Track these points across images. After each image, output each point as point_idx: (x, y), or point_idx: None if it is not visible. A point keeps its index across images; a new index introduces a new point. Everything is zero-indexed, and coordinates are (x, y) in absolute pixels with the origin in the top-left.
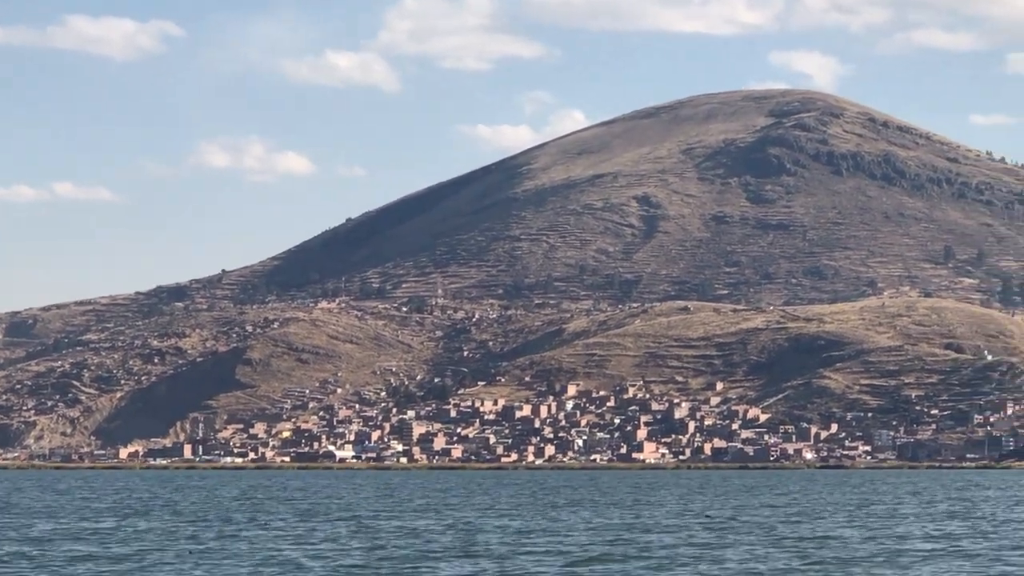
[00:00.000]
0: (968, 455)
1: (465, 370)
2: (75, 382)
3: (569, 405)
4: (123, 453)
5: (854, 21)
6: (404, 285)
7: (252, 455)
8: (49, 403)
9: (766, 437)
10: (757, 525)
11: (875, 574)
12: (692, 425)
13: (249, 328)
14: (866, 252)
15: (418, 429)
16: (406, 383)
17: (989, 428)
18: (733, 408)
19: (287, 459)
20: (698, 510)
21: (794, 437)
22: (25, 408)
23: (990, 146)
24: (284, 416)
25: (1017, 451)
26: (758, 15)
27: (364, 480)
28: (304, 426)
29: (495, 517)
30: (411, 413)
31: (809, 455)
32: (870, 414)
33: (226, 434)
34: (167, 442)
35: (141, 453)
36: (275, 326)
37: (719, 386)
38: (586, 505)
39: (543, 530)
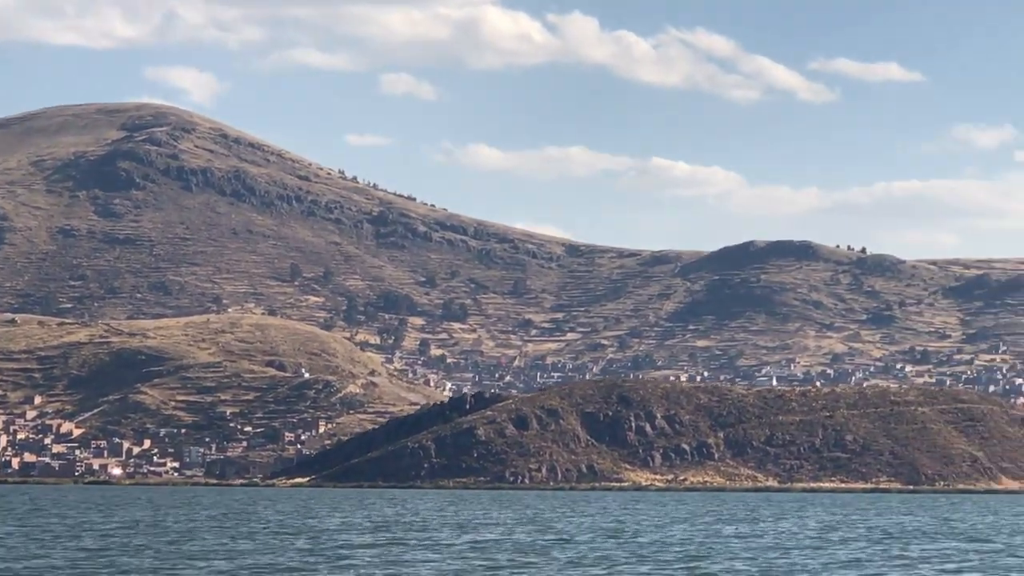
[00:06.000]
0: (274, 472)
1: None
2: None
3: None
4: None
5: (231, 38)
6: None
7: None
8: None
9: (77, 452)
10: None
11: None
12: (5, 439)
13: None
14: (213, 268)
15: None
16: None
17: (300, 446)
18: (48, 422)
19: None
20: None
21: (106, 452)
22: None
23: (367, 167)
24: None
25: (287, 469)
26: (136, 29)
27: None
28: None
29: None
30: None
31: (118, 471)
32: (184, 430)
33: None
34: None
35: None
36: None
37: (37, 400)
38: None
39: None
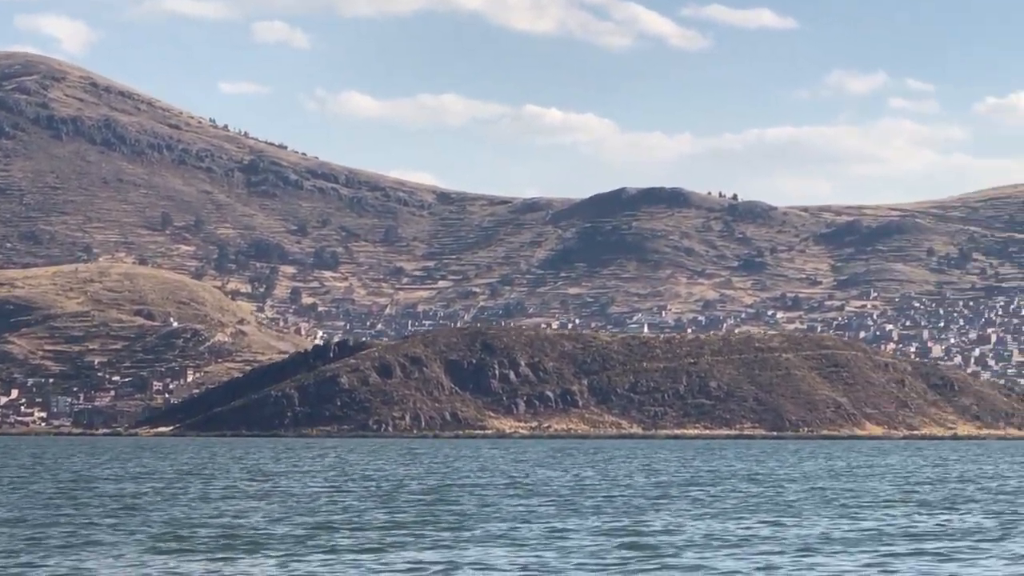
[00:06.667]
0: (139, 421)
1: None
2: None
3: None
4: None
5: None
6: None
7: None
8: None
9: None
10: None
11: None
12: None
13: None
14: (83, 218)
15: None
16: None
17: (168, 395)
18: None
19: None
20: None
21: None
22: None
23: (240, 115)
24: None
25: (152, 418)
26: None
27: None
28: None
29: None
30: None
31: None
32: (51, 380)
33: None
34: None
35: None
36: None
37: None
38: None
39: None
